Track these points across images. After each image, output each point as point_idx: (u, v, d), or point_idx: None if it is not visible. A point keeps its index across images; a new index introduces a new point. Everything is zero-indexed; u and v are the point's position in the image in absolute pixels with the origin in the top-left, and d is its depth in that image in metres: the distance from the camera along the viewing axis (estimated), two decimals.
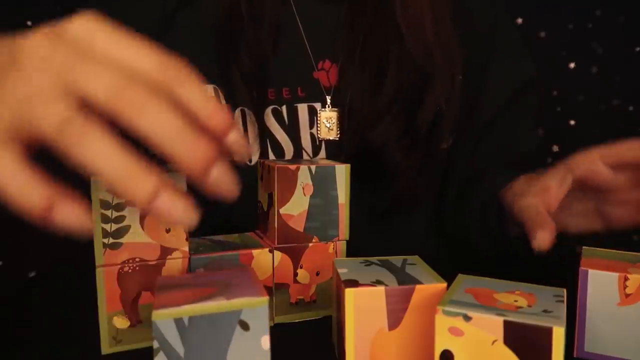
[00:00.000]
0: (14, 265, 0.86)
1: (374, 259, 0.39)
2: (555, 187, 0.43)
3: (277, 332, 0.33)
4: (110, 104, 0.25)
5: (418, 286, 0.34)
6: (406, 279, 0.35)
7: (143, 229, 0.37)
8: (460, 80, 0.58)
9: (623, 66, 0.99)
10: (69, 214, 0.25)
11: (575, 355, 0.37)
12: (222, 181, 0.27)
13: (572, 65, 1.00)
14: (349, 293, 0.34)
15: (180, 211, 0.26)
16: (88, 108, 0.25)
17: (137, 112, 0.25)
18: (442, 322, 0.30)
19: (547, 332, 0.28)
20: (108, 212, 0.36)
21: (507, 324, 0.29)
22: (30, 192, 0.25)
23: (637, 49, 0.98)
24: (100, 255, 0.37)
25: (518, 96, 0.65)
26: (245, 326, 0.30)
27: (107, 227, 0.36)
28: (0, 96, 0.26)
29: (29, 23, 0.92)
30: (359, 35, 0.58)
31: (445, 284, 0.34)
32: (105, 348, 0.38)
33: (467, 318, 0.30)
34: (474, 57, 0.61)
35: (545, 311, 0.30)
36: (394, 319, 0.34)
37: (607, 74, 0.99)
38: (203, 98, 0.27)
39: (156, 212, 0.26)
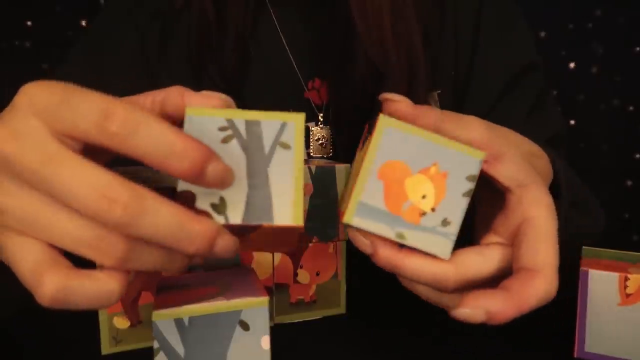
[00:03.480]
0: None
1: (241, 118, 0.27)
2: None
3: (277, 332, 0.33)
4: None
5: (265, 225, 0.26)
6: (255, 207, 0.26)
7: None
8: (426, 81, 0.55)
9: (623, 66, 0.99)
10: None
11: (575, 355, 0.37)
12: (227, 249, 0.25)
13: (572, 65, 1.00)
14: None
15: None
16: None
17: None
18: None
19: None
20: None
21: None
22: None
23: (637, 49, 0.98)
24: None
25: (513, 85, 0.59)
26: (245, 326, 0.30)
27: None
28: None
29: (28, 23, 0.92)
30: (337, 50, 0.57)
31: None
32: (105, 348, 0.38)
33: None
34: (462, 45, 0.59)
35: (444, 222, 0.28)
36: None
37: (607, 74, 0.99)
38: (158, 144, 0.23)
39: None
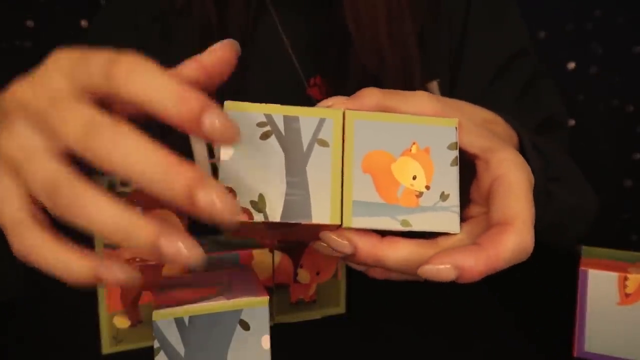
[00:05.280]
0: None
1: (279, 113, 0.27)
2: None
3: (277, 332, 0.33)
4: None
5: (304, 223, 0.26)
6: (293, 205, 0.26)
7: None
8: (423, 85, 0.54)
9: (623, 66, 0.99)
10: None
11: (575, 355, 0.38)
12: (216, 205, 0.21)
13: (572, 65, 1.00)
14: None
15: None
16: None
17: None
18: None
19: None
20: None
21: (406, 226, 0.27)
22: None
23: (637, 48, 0.98)
24: (101, 256, 0.37)
25: (502, 72, 0.58)
26: (245, 326, 0.30)
27: None
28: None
29: (28, 23, 0.92)
30: (337, 49, 0.57)
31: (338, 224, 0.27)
32: (106, 348, 0.38)
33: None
34: (455, 38, 0.58)
35: (443, 196, 0.27)
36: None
37: (607, 74, 0.99)
38: (157, 87, 0.23)
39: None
